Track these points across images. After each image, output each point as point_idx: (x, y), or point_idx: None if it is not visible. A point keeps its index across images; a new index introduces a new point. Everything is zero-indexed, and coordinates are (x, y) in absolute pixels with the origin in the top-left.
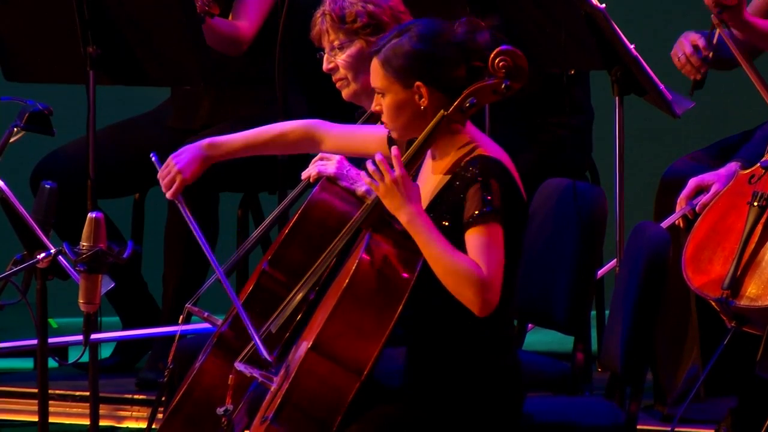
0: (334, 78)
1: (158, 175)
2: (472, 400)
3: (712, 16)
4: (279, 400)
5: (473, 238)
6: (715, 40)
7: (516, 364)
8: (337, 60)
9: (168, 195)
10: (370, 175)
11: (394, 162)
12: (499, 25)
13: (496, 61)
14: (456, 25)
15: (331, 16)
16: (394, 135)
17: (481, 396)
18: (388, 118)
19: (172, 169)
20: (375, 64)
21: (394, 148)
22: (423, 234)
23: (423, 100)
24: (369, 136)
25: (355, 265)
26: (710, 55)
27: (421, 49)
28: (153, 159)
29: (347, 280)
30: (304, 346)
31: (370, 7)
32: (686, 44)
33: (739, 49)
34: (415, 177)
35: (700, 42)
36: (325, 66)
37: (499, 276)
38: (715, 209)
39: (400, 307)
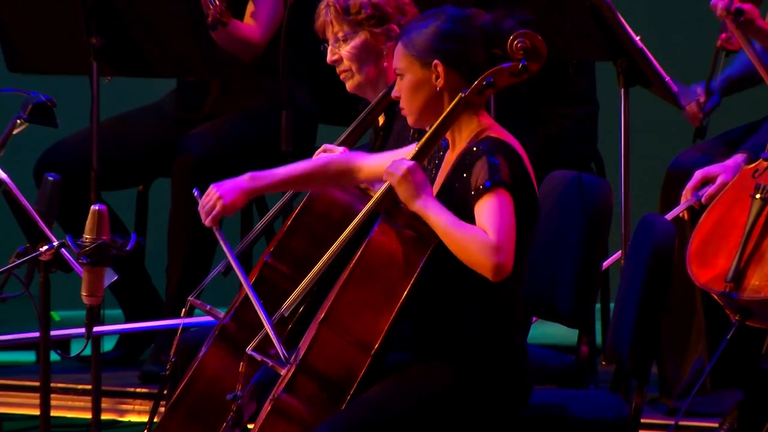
0: (338, 70)
1: (199, 206)
2: (480, 379)
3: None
4: (291, 373)
5: (480, 207)
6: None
7: (524, 347)
8: (341, 52)
9: (206, 222)
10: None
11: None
12: (528, 18)
13: (515, 43)
14: (483, 12)
15: (336, 7)
16: (410, 120)
17: (491, 375)
18: (405, 100)
19: (213, 196)
20: (399, 46)
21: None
22: (433, 215)
23: (439, 80)
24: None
25: (367, 241)
26: (704, 101)
27: (444, 27)
28: (195, 194)
29: (358, 255)
30: (314, 325)
31: None
32: (690, 93)
33: (745, 39)
34: (436, 168)
35: (699, 90)
36: (329, 58)
37: (510, 240)
38: (719, 204)
39: (411, 283)
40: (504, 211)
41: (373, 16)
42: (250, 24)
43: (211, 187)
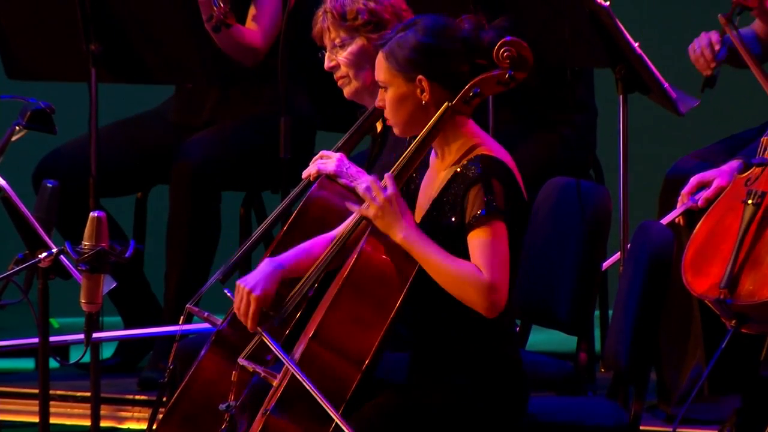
0: (335, 76)
1: (234, 308)
2: (476, 392)
3: (720, 15)
4: (280, 392)
5: (475, 240)
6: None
7: (518, 358)
8: (338, 58)
9: (249, 327)
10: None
11: (387, 182)
12: (507, 27)
13: (501, 51)
14: (462, 21)
15: (332, 13)
16: (396, 131)
17: (485, 388)
18: (390, 112)
19: (244, 293)
20: (379, 58)
21: (386, 176)
22: (419, 248)
23: (424, 94)
24: None
25: (356, 255)
26: (718, 49)
27: (425, 42)
28: (228, 294)
29: (348, 270)
30: (305, 339)
31: (371, 4)
32: (703, 38)
33: (745, 47)
34: (420, 176)
35: (714, 37)
36: (327, 64)
37: (504, 276)
38: (713, 213)
39: (401, 297)
40: (499, 244)
41: (369, 22)
42: (252, 28)
43: (238, 283)
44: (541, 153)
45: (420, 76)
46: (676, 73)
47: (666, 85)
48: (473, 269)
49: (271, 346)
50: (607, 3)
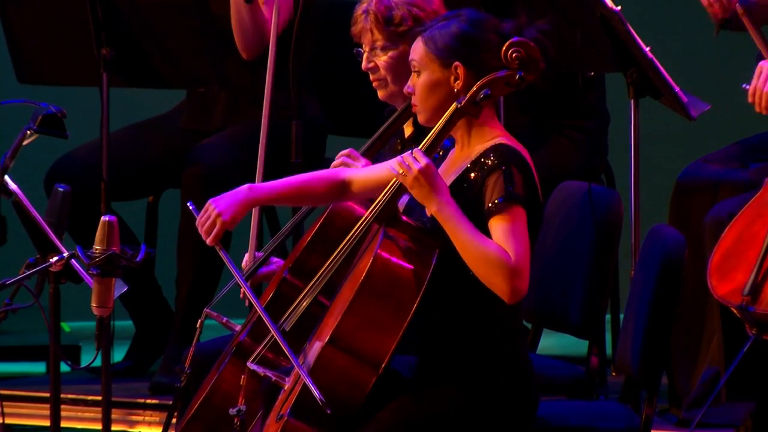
0: (371, 77)
1: (197, 222)
2: (485, 395)
3: (737, 4)
4: (296, 395)
5: (497, 224)
6: None
7: (527, 359)
8: (377, 60)
9: (209, 242)
10: (398, 167)
11: (419, 155)
12: (548, 28)
13: (509, 52)
14: (504, 22)
15: (377, 16)
16: (421, 118)
17: (494, 390)
18: (420, 97)
19: (212, 213)
20: (418, 42)
21: (415, 150)
22: (452, 221)
23: (458, 81)
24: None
25: (372, 259)
26: None
27: (467, 31)
28: (191, 208)
29: (364, 275)
30: (318, 343)
31: (416, 10)
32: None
33: (759, 33)
34: (437, 164)
35: None
36: (365, 65)
37: (527, 262)
38: (742, 218)
39: (417, 300)
40: (521, 230)
41: (413, 29)
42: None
43: (209, 202)
44: (553, 158)
45: (457, 63)
46: (687, 78)
47: (677, 89)
48: (502, 251)
49: (231, 270)
50: (618, 8)
